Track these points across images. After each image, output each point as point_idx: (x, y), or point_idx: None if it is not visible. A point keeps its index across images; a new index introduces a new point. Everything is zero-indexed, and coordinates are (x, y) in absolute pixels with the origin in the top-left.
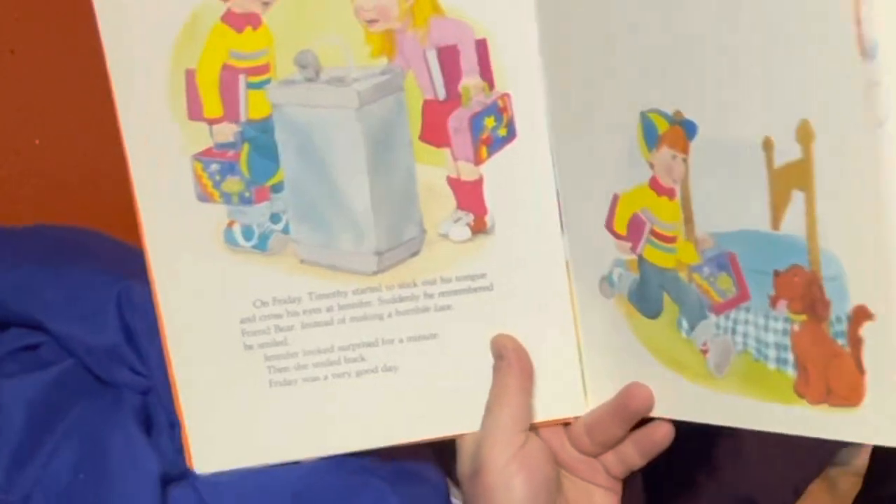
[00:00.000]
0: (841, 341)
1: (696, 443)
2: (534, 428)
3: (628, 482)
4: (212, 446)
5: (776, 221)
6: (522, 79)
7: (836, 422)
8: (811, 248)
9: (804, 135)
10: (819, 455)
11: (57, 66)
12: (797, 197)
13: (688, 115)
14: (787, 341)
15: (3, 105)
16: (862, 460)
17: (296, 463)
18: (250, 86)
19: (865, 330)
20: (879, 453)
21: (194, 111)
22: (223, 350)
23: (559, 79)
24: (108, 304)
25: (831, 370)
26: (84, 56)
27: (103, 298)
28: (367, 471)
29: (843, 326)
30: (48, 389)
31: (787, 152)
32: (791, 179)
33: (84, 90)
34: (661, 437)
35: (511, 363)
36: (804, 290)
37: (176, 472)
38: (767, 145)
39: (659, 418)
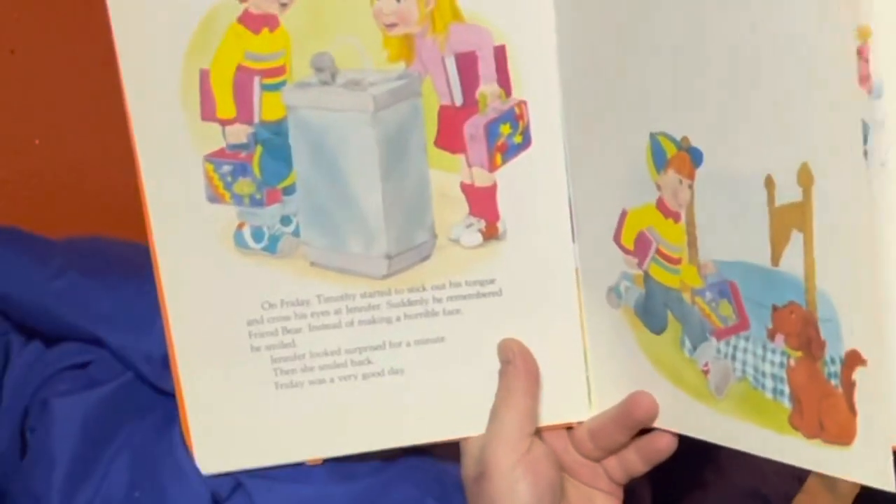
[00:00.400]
0: (834, 382)
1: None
2: (538, 431)
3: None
4: (216, 446)
5: (776, 258)
6: (539, 87)
7: (828, 458)
8: (808, 287)
9: (804, 177)
10: None
11: (57, 66)
12: (796, 237)
13: (695, 144)
14: (784, 374)
15: (3, 105)
16: None
17: (351, 478)
18: (265, 87)
19: (858, 374)
20: None
21: (207, 111)
22: (230, 351)
23: (576, 89)
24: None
25: (824, 408)
26: (84, 56)
27: (156, 306)
28: (420, 488)
29: (837, 368)
30: (101, 407)
31: (788, 193)
32: (791, 219)
33: (84, 90)
34: (663, 445)
35: (517, 367)
36: (801, 328)
37: (227, 489)
38: (769, 184)
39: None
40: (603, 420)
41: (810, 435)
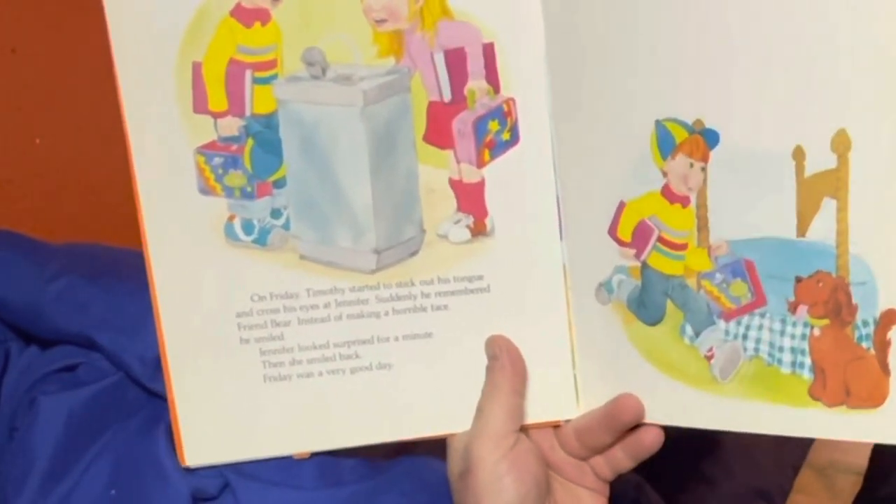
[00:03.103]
0: (865, 344)
1: (707, 438)
2: (524, 429)
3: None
4: (203, 439)
5: (802, 228)
6: (528, 84)
7: (854, 423)
8: (840, 253)
9: (840, 143)
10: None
11: (57, 65)
12: (828, 204)
13: (709, 125)
14: (805, 346)
15: (3, 105)
16: (861, 460)
17: (337, 483)
18: (257, 81)
19: (893, 333)
20: (879, 453)
21: (199, 104)
22: (219, 343)
23: (565, 86)
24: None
25: (852, 373)
26: (85, 56)
27: (150, 309)
28: (408, 496)
29: (870, 329)
30: (86, 406)
31: (820, 161)
32: (823, 187)
33: (84, 90)
34: (650, 441)
35: (504, 364)
36: (828, 295)
37: (214, 488)
38: (798, 154)
39: (651, 424)
40: (589, 421)
41: (833, 403)
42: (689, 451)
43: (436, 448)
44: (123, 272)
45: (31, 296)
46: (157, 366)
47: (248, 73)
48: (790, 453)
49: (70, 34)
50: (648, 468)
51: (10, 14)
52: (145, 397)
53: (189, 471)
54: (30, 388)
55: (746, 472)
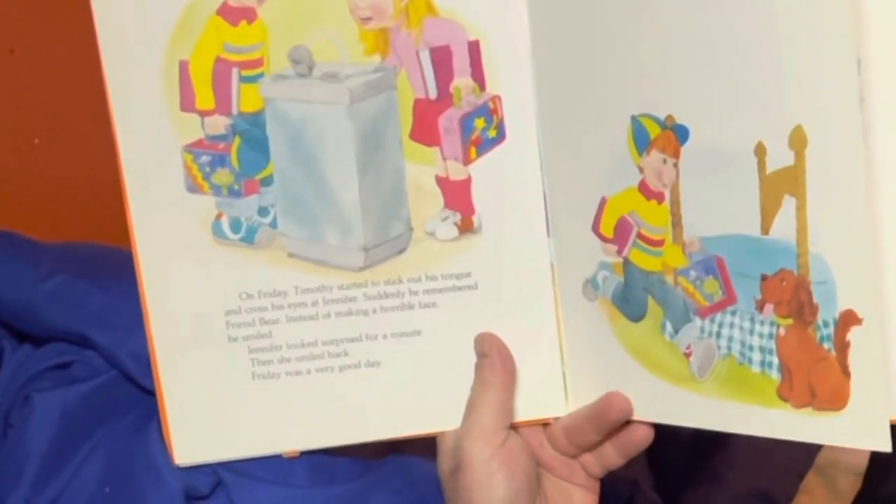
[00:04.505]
0: (827, 345)
1: (716, 436)
2: (514, 427)
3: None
4: (193, 437)
5: (766, 226)
6: (513, 81)
7: (819, 425)
8: (800, 252)
9: (797, 140)
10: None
11: (57, 65)
12: (788, 202)
13: (680, 120)
14: (773, 345)
15: (3, 105)
16: (862, 460)
17: (330, 482)
18: (243, 79)
19: (852, 334)
20: (880, 453)
21: (186, 103)
22: (207, 341)
23: (550, 82)
24: None
25: (816, 374)
26: (84, 56)
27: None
28: (400, 495)
29: (830, 330)
30: (80, 403)
31: (779, 158)
32: (782, 184)
33: (84, 90)
34: (640, 438)
35: (493, 361)
36: (791, 295)
37: (207, 486)
38: (760, 151)
39: (640, 421)
40: (577, 419)
41: (800, 405)
42: (696, 450)
43: (425, 447)
44: (117, 271)
45: (26, 294)
46: (151, 363)
47: (235, 72)
48: (798, 458)
49: (69, 34)
50: (655, 466)
51: (9, 14)
52: (139, 395)
53: (182, 468)
54: (23, 385)
55: (754, 472)
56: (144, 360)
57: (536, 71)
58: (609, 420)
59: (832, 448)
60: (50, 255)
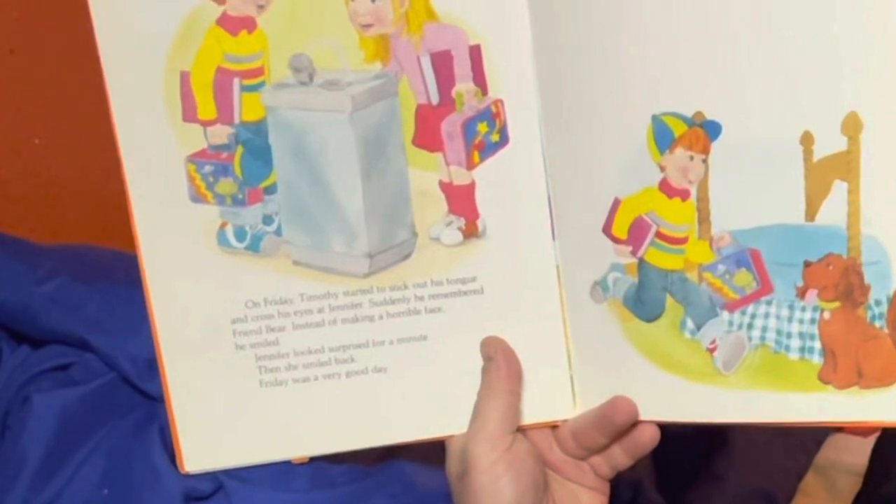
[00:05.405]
0: (879, 323)
1: (716, 437)
2: (522, 430)
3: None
4: (201, 445)
5: (811, 213)
6: (516, 85)
7: (867, 403)
8: (852, 235)
9: (852, 126)
10: (806, 443)
11: (57, 66)
12: (839, 187)
13: (710, 117)
14: (815, 330)
15: (3, 105)
16: (861, 461)
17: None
18: (245, 88)
19: None
20: (879, 453)
21: (188, 113)
22: (214, 350)
23: (553, 85)
24: (147, 316)
25: (864, 353)
26: (84, 56)
27: (142, 310)
28: (398, 499)
29: (883, 308)
30: (80, 404)
31: (830, 144)
32: (833, 170)
33: (84, 90)
34: (647, 439)
35: (499, 364)
36: (839, 278)
37: (207, 489)
38: (807, 139)
39: (647, 421)
40: (584, 422)
41: (845, 385)
42: (697, 448)
43: (423, 452)
44: (115, 273)
45: (23, 296)
46: (149, 366)
47: (236, 81)
48: (796, 457)
49: (69, 34)
50: (656, 466)
51: (9, 14)
52: (138, 397)
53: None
54: (22, 386)
55: (753, 472)
56: (142, 363)
57: (539, 74)
58: (615, 424)
59: (832, 449)
60: (48, 257)
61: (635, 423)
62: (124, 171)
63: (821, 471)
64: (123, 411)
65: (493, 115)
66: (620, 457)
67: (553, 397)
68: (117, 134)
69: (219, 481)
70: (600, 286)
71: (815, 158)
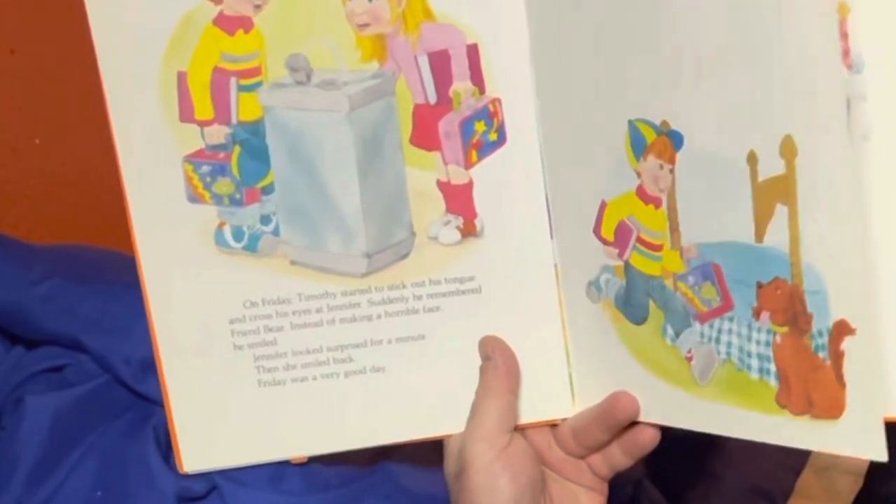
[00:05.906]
0: (822, 354)
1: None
2: (521, 429)
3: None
4: (200, 445)
5: (760, 234)
6: (513, 84)
7: (817, 433)
8: (794, 261)
9: (787, 150)
10: None
11: (57, 66)
12: (780, 211)
13: (675, 127)
14: (770, 352)
15: (3, 105)
16: (861, 461)
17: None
18: (242, 88)
19: (846, 344)
20: None
21: (185, 113)
22: (213, 350)
23: (550, 84)
24: (141, 316)
25: (812, 382)
26: (84, 56)
27: (136, 311)
28: (391, 500)
29: (825, 340)
30: (74, 406)
31: (771, 166)
32: (774, 193)
33: (84, 90)
34: (646, 439)
35: (497, 364)
36: (787, 303)
37: (201, 491)
38: (752, 159)
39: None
40: (584, 419)
41: (798, 412)
42: (694, 447)
43: (416, 453)
44: (110, 274)
45: (17, 297)
46: (143, 368)
47: (233, 81)
48: (793, 454)
49: (69, 35)
50: (653, 464)
51: (10, 15)
52: (132, 399)
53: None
54: (16, 387)
55: (751, 470)
56: (137, 364)
57: (536, 73)
58: (616, 419)
59: None
60: (42, 258)
61: (634, 424)
62: (121, 171)
63: (820, 471)
64: (117, 413)
65: (490, 115)
66: (620, 457)
67: (552, 396)
68: (114, 134)
69: (213, 483)
70: (594, 286)
71: (760, 179)
